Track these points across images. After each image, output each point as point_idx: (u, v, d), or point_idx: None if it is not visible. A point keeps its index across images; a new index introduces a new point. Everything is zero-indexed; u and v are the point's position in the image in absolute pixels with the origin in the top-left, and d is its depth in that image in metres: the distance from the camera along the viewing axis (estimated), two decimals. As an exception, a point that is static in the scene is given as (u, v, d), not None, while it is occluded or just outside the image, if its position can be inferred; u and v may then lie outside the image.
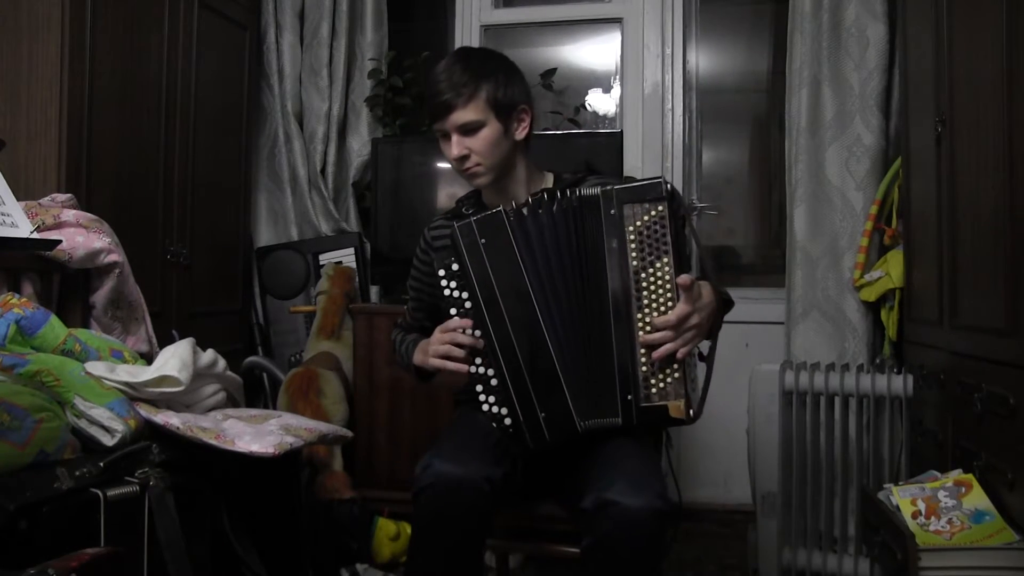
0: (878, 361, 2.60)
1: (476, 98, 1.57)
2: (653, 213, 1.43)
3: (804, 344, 2.65)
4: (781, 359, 2.58)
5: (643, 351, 1.44)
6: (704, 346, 1.53)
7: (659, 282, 1.43)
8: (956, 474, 1.76)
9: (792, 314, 2.69)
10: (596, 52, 3.38)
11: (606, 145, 2.70)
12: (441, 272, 1.50)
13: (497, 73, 1.60)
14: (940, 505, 1.69)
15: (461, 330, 1.48)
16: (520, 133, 1.65)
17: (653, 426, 1.49)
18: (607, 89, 3.34)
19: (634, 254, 1.43)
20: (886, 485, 1.94)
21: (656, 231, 1.43)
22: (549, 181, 1.73)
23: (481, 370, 1.49)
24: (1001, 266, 1.63)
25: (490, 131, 1.59)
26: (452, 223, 1.53)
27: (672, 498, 1.42)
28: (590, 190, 1.47)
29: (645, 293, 1.44)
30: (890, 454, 2.29)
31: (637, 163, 3.11)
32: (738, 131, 3.43)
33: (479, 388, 1.49)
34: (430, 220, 1.80)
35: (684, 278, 1.39)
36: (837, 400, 2.33)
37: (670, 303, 1.42)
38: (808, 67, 2.69)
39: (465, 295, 1.49)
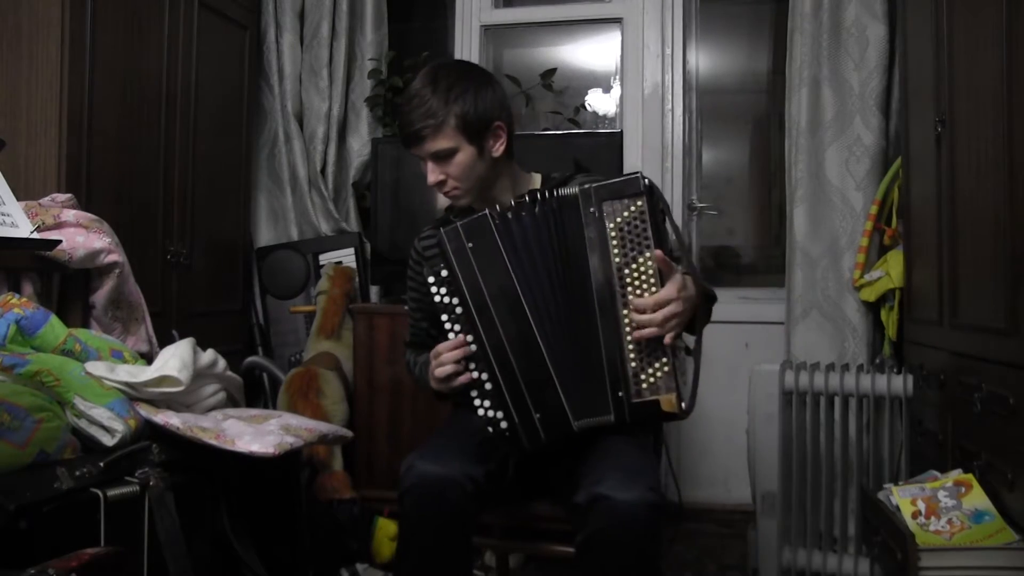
0: (878, 361, 2.60)
1: (445, 126, 1.54)
2: (632, 209, 1.43)
3: (804, 344, 2.65)
4: (781, 359, 2.58)
5: (631, 347, 1.44)
6: (691, 341, 1.53)
7: (643, 276, 1.43)
8: (956, 474, 1.76)
9: (792, 314, 2.69)
10: (596, 52, 3.38)
11: (606, 145, 2.69)
12: (431, 279, 1.50)
13: (466, 95, 1.56)
14: (940, 505, 1.69)
15: (452, 347, 1.48)
16: (497, 150, 1.62)
17: (647, 421, 1.49)
18: (607, 89, 3.34)
19: (616, 251, 1.44)
20: (886, 485, 1.94)
21: (637, 227, 1.43)
22: (537, 182, 1.72)
23: (475, 375, 1.48)
24: (1001, 266, 1.63)
25: (464, 156, 1.57)
26: (439, 230, 1.52)
27: (664, 491, 1.42)
28: (568, 190, 1.47)
29: (630, 288, 1.44)
30: (890, 454, 2.29)
31: (637, 163, 3.11)
32: (738, 131, 3.43)
33: (474, 393, 1.49)
34: (419, 231, 1.79)
35: (659, 253, 1.40)
36: (837, 400, 2.33)
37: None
38: (808, 67, 2.69)
39: (456, 300, 1.48)
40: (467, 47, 3.37)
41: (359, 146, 3.22)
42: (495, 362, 1.46)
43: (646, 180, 1.43)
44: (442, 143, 1.55)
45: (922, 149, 2.20)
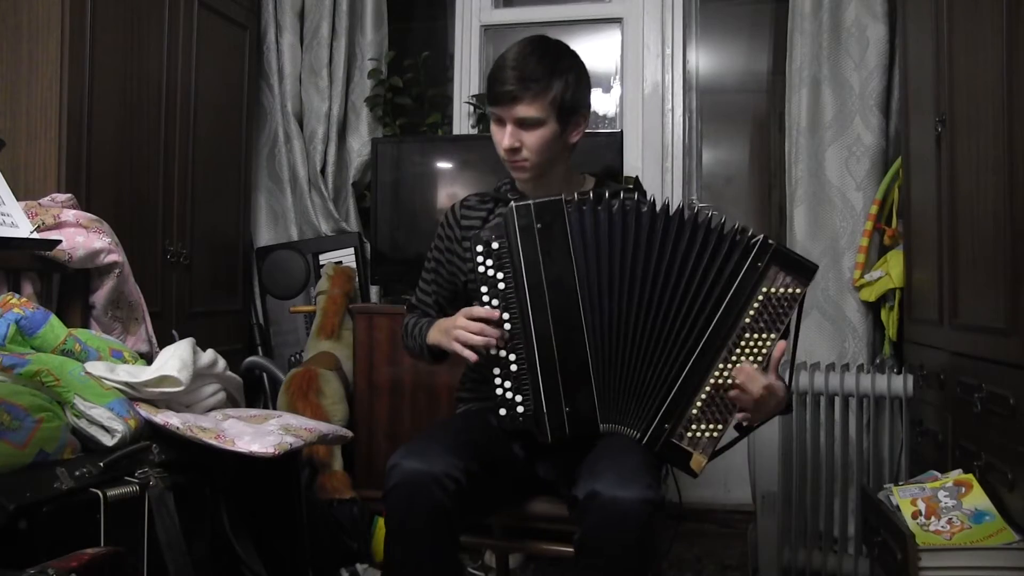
0: (878, 361, 2.60)
1: (543, 96, 1.53)
2: (792, 291, 1.43)
3: (804, 344, 2.65)
4: (781, 359, 2.58)
5: (704, 396, 1.44)
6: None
7: (756, 349, 1.43)
8: (956, 474, 1.76)
9: (792, 314, 2.69)
10: (596, 52, 3.38)
11: (606, 145, 2.69)
12: (479, 248, 1.48)
13: (569, 73, 1.56)
14: (940, 505, 1.69)
15: (486, 315, 1.46)
16: (574, 137, 1.63)
17: (662, 459, 1.49)
18: (607, 89, 3.34)
19: (751, 312, 1.43)
20: (886, 485, 1.94)
21: (783, 307, 1.43)
22: (589, 184, 1.71)
23: (502, 353, 1.47)
24: (1001, 266, 1.63)
25: (547, 130, 1.56)
26: (511, 204, 1.50)
27: (664, 491, 1.42)
28: (751, 232, 1.46)
29: (738, 351, 1.43)
30: (890, 454, 2.29)
31: (637, 163, 3.11)
32: (738, 131, 3.43)
33: (496, 371, 1.48)
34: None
35: (782, 344, 1.42)
36: (837, 400, 2.33)
37: None
38: (808, 67, 2.69)
39: (500, 275, 1.47)
40: (467, 47, 3.37)
41: (359, 146, 3.22)
42: (536, 348, 1.45)
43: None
44: (534, 111, 1.54)
45: (922, 149, 2.20)
